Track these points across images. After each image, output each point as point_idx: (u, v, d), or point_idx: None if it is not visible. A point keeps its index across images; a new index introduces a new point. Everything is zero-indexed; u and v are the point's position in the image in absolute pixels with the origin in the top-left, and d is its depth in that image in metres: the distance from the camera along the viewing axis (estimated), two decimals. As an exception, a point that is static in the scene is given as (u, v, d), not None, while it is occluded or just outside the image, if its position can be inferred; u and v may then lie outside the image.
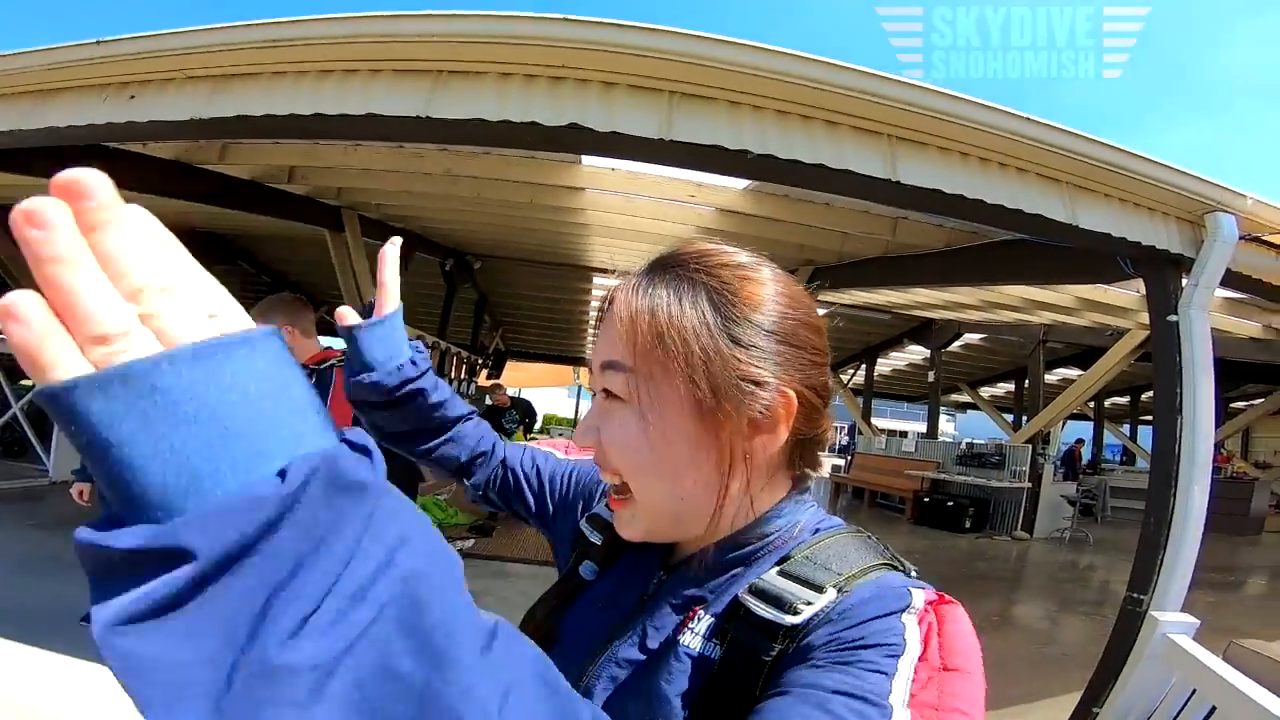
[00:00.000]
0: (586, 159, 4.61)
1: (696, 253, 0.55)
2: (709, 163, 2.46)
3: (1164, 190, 2.74)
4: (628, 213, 5.65)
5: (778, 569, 0.52)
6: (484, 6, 2.32)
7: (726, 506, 0.54)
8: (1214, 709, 2.39)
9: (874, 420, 15.33)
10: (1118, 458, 19.23)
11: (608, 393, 0.54)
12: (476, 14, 2.32)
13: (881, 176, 2.42)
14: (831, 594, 0.48)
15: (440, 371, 9.81)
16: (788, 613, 0.47)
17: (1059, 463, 10.92)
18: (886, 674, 0.41)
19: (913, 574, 0.52)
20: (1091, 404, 15.34)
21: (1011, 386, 15.76)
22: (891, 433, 19.77)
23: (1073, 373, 12.61)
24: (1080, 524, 9.71)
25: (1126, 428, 18.90)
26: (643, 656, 0.55)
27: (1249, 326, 6.26)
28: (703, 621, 0.53)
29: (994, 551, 8.54)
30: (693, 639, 0.53)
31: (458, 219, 7.05)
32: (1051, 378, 13.32)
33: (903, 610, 0.46)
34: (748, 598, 0.50)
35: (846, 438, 23.24)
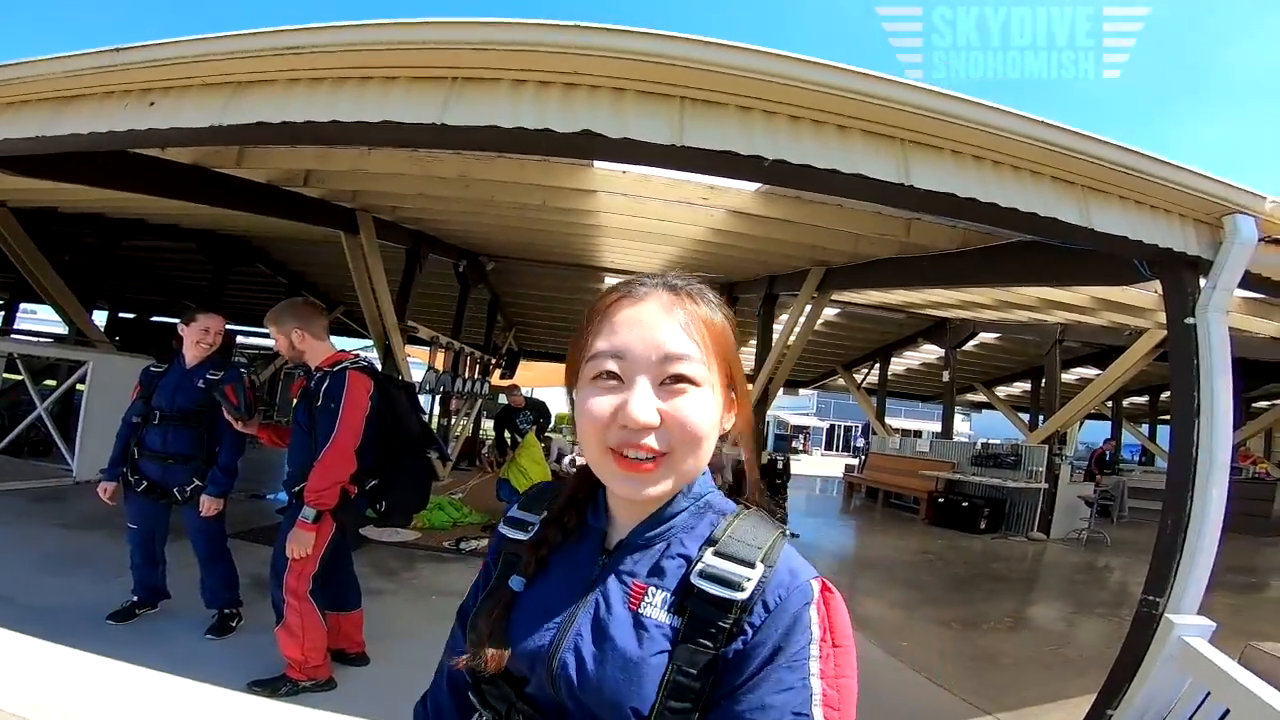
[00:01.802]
0: (599, 162, 4.64)
1: (703, 289, 0.73)
2: (723, 168, 2.46)
3: (1180, 192, 2.69)
4: (640, 214, 5.67)
5: (712, 550, 0.66)
6: (497, 14, 2.33)
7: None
8: (1228, 712, 2.39)
9: (888, 420, 15.25)
10: (1136, 458, 18.99)
11: (679, 377, 0.65)
12: (489, 21, 2.33)
13: (895, 181, 2.40)
14: (761, 568, 0.64)
15: (454, 372, 9.91)
16: (736, 590, 0.63)
17: (1086, 464, 10.75)
18: (807, 657, 0.61)
19: (789, 535, 0.70)
20: (1110, 403, 15.15)
21: (1028, 386, 15.64)
22: (906, 432, 19.62)
23: (1091, 372, 12.47)
24: (1098, 525, 9.62)
25: (1145, 428, 18.68)
26: (607, 629, 0.65)
27: (1270, 326, 6.17)
28: (658, 596, 0.66)
29: (1009, 552, 8.49)
30: (654, 611, 0.65)
31: (471, 221, 7.11)
32: (1069, 377, 13.20)
33: (810, 603, 0.63)
34: (700, 581, 0.64)
35: (860, 438, 23.14)
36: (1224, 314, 2.85)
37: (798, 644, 0.61)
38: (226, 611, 3.45)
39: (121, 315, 14.10)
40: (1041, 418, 11.42)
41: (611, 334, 0.67)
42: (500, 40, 2.31)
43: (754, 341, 8.91)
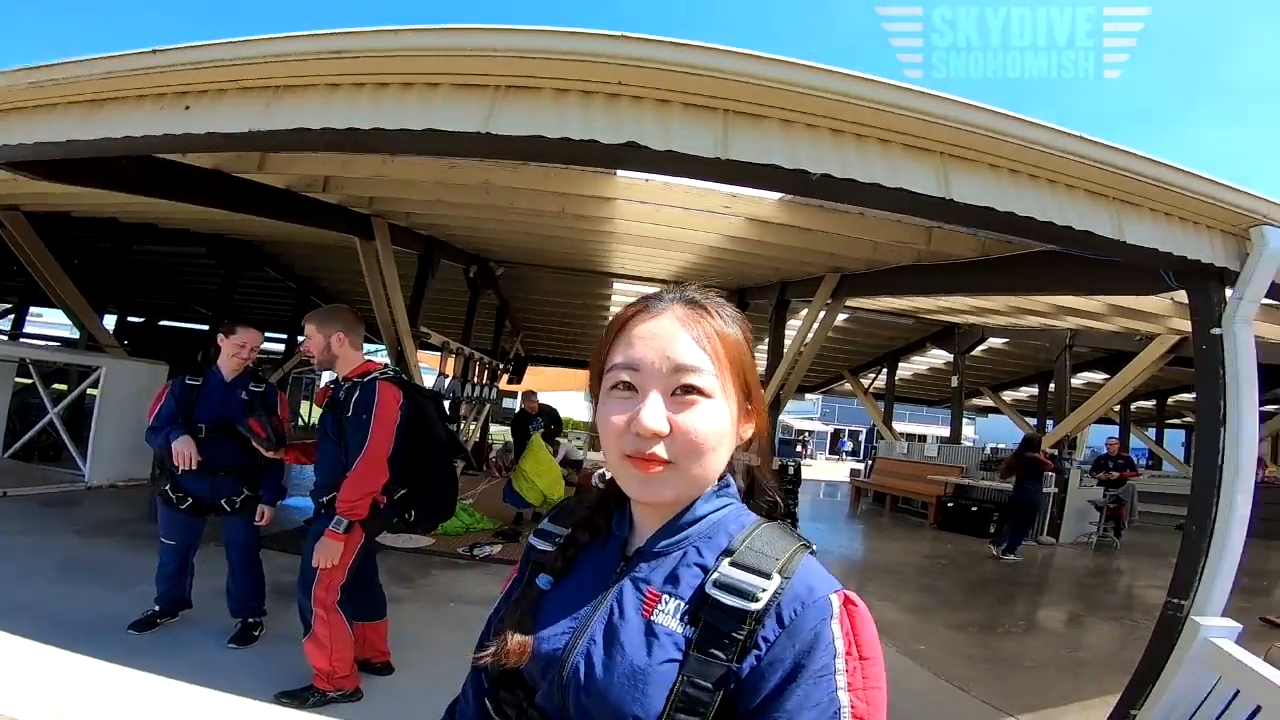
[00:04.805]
0: (621, 171, 4.65)
1: (721, 303, 0.75)
2: (766, 181, 2.47)
3: (1211, 205, 2.71)
4: (657, 222, 5.69)
5: (729, 560, 0.66)
6: (521, 21, 2.34)
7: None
8: (1258, 709, 2.43)
9: (894, 424, 15.25)
10: (1144, 462, 18.96)
11: (690, 388, 0.68)
12: (534, 29, 2.33)
13: (936, 195, 2.41)
14: (777, 579, 0.64)
15: (464, 377, 9.93)
16: (750, 600, 0.63)
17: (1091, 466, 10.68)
18: (834, 671, 0.60)
19: (814, 548, 0.70)
20: (1118, 408, 15.15)
21: (1035, 390, 15.63)
22: (911, 437, 19.62)
23: (1098, 377, 12.47)
24: (1107, 529, 9.62)
25: (1152, 432, 18.66)
26: (618, 635, 0.66)
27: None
28: (671, 604, 0.67)
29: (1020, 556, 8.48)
30: (667, 619, 0.66)
31: (485, 227, 7.12)
32: (1076, 382, 13.18)
33: (830, 618, 0.63)
34: (715, 591, 0.64)
35: (866, 442, 23.11)
36: (1250, 324, 2.88)
37: (821, 660, 0.61)
38: (250, 620, 3.45)
39: (130, 319, 14.14)
40: (1050, 422, 11.40)
41: (628, 347, 0.71)
42: (542, 48, 2.31)
43: (764, 347, 8.93)
